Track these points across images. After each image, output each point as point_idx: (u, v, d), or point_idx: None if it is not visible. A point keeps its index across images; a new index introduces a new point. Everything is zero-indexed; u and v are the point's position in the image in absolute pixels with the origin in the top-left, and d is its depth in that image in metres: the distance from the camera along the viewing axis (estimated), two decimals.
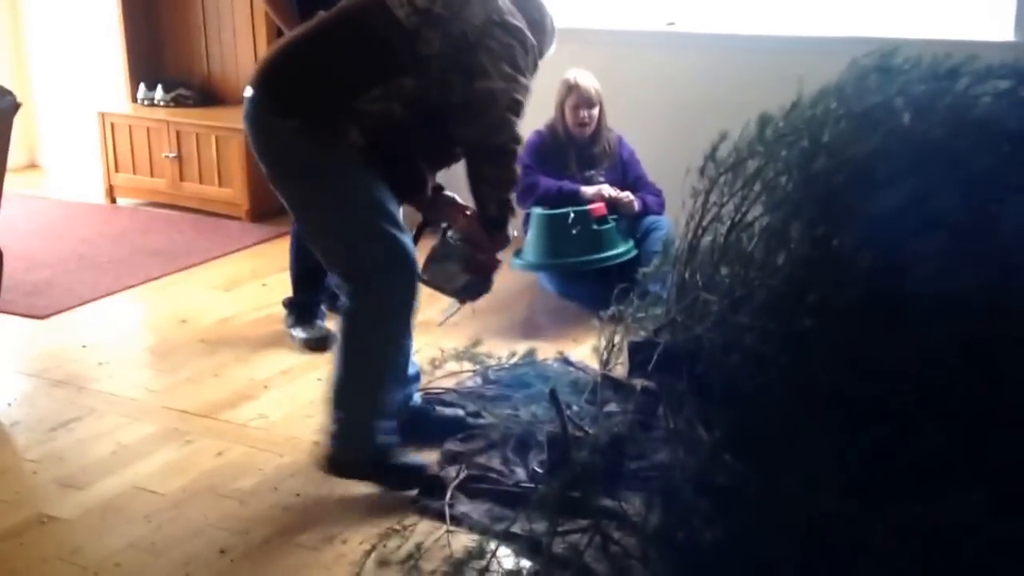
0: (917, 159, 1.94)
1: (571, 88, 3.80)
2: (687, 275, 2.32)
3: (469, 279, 2.62)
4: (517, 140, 2.48)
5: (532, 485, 2.41)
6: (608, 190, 3.75)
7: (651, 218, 3.79)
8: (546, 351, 3.21)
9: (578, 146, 3.86)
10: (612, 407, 2.63)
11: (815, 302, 1.97)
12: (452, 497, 2.43)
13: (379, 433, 2.52)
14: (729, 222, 2.30)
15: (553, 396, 2.30)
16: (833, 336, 1.92)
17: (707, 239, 2.33)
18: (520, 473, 2.53)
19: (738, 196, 2.26)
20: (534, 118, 3.84)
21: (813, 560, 1.82)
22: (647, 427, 2.52)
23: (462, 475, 2.51)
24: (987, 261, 1.88)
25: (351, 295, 2.50)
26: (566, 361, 3.20)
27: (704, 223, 2.31)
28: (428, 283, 2.60)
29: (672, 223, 3.70)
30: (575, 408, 2.64)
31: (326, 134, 2.40)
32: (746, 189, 2.24)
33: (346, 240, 2.49)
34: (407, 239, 2.50)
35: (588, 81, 3.80)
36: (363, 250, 2.46)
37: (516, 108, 2.43)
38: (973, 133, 1.98)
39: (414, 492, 2.51)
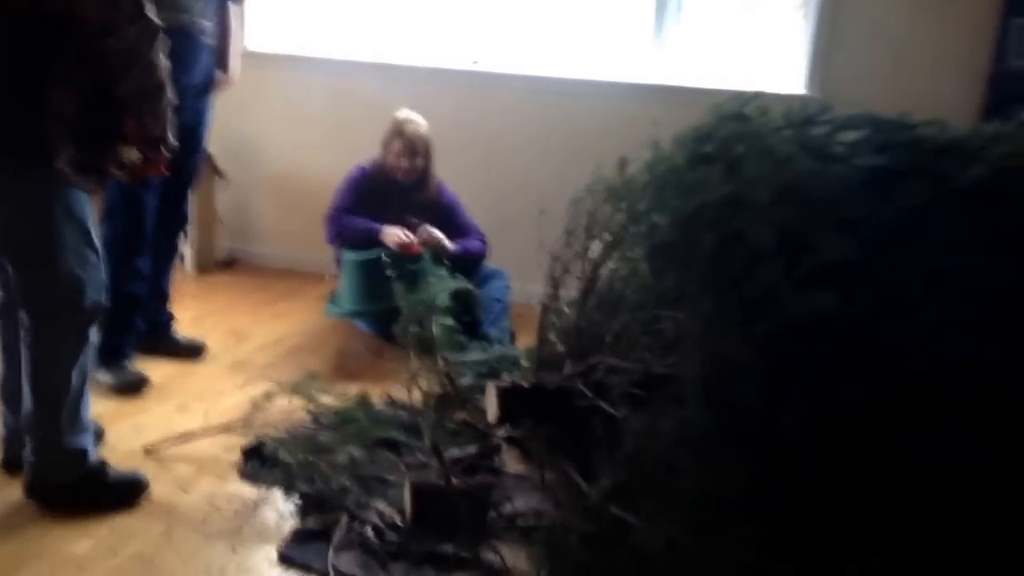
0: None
1: (398, 134, 3.76)
2: (558, 318, 2.38)
3: None
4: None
5: (402, 538, 2.36)
6: (419, 236, 3.71)
7: (491, 267, 3.81)
8: (373, 392, 3.17)
9: (401, 189, 3.83)
10: (454, 452, 2.66)
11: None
12: (319, 550, 2.35)
13: (84, 451, 2.54)
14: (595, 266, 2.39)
15: (436, 449, 2.28)
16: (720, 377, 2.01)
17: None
18: (377, 520, 2.49)
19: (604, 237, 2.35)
20: (358, 149, 3.83)
21: None
22: (504, 473, 2.57)
23: (340, 526, 2.43)
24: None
25: (35, 318, 2.45)
26: (395, 404, 3.17)
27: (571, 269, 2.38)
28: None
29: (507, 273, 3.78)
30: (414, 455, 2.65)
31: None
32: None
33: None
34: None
35: (416, 129, 3.77)
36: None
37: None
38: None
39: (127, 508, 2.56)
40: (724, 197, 2.15)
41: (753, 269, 2.07)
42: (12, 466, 2.67)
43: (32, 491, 2.56)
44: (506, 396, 2.38)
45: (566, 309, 2.55)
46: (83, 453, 2.55)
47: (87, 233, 2.43)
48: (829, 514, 1.95)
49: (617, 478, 2.09)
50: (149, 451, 2.87)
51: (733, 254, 2.13)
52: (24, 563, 2.33)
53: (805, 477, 1.97)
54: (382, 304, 3.63)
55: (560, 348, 2.55)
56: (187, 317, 3.79)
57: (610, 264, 2.51)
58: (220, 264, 4.77)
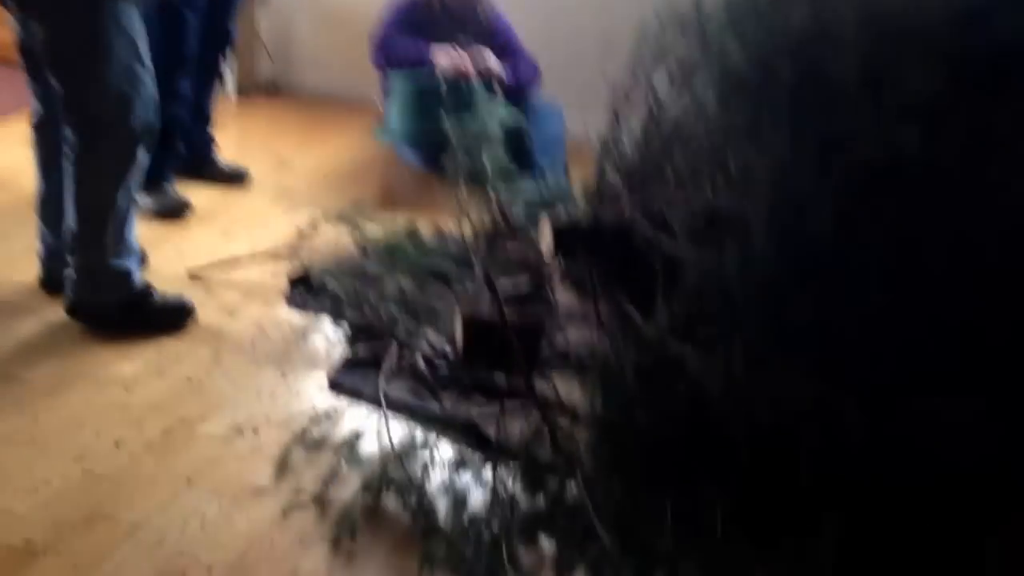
0: None
1: None
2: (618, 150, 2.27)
3: None
4: None
5: (452, 367, 2.33)
6: (471, 60, 3.58)
7: (545, 99, 3.67)
8: (421, 224, 3.09)
9: (451, 11, 3.66)
10: (505, 284, 2.60)
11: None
12: (367, 376, 2.32)
13: (128, 274, 2.52)
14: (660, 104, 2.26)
15: (488, 279, 2.21)
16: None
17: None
18: (428, 350, 2.45)
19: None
20: None
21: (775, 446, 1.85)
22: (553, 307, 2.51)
23: (389, 354, 2.39)
24: None
25: (82, 135, 2.38)
26: (444, 236, 3.10)
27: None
28: None
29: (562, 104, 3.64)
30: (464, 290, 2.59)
31: None
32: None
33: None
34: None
35: None
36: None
37: None
38: None
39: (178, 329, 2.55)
40: (805, 27, 2.02)
41: (833, 104, 1.96)
42: (52, 285, 2.64)
43: (75, 311, 2.54)
44: (560, 230, 2.30)
45: (627, 143, 2.44)
46: (127, 275, 2.51)
47: (136, 47, 2.33)
48: (896, 354, 1.89)
49: (675, 313, 2.03)
50: (194, 276, 2.84)
51: (812, 88, 2.02)
52: (70, 383, 2.32)
53: (874, 317, 1.90)
54: (431, 130, 3.53)
55: (619, 183, 2.46)
56: (229, 143, 3.71)
57: (676, 97, 2.39)
58: (262, 89, 4.64)
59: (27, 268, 2.72)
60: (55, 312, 2.57)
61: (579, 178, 2.99)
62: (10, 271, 2.77)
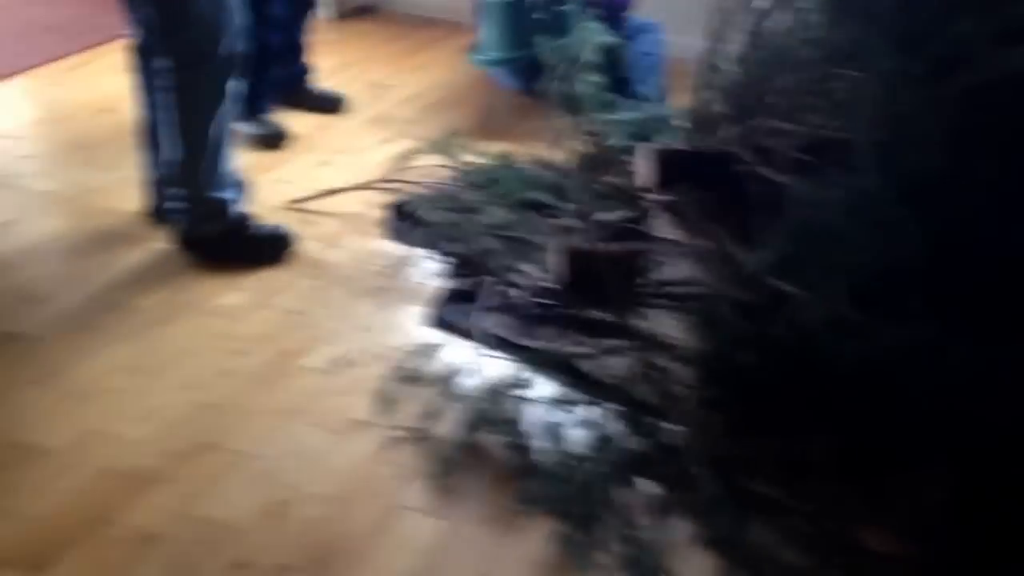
0: None
1: None
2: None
3: None
4: None
5: (549, 301, 2.31)
6: None
7: (643, 19, 3.57)
8: (517, 151, 3.06)
9: None
10: (603, 215, 2.56)
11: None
12: (465, 311, 2.33)
13: (226, 204, 2.53)
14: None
15: (583, 212, 2.18)
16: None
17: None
18: (525, 283, 2.44)
19: None
20: None
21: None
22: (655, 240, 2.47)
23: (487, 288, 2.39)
24: None
25: (174, 65, 2.38)
26: (541, 164, 3.06)
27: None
28: None
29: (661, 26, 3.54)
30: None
31: None
32: None
33: None
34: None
35: None
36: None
37: None
38: None
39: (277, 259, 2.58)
40: None
41: (943, 22, 1.85)
42: (157, 215, 2.68)
43: (179, 242, 2.59)
44: (658, 159, 2.25)
45: (727, 65, 2.36)
46: (225, 206, 2.54)
47: None
48: (1010, 289, 1.81)
49: (777, 247, 1.97)
50: (293, 206, 2.86)
51: (921, 5, 1.92)
52: (176, 313, 2.38)
53: (986, 253, 1.82)
54: (527, 51, 3.47)
55: (719, 108, 2.39)
56: (325, 68, 3.70)
57: (778, 15, 2.29)
58: (358, 11, 4.61)
59: (132, 196, 2.77)
60: (161, 241, 2.62)
61: (679, 103, 2.92)
62: (118, 200, 2.82)
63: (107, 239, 2.67)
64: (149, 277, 2.52)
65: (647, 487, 1.85)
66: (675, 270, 2.26)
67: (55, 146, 3.22)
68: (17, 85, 3.59)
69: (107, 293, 2.44)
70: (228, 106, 2.46)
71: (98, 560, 1.71)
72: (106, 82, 3.53)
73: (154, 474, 1.90)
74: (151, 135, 2.59)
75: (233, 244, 2.57)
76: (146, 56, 2.50)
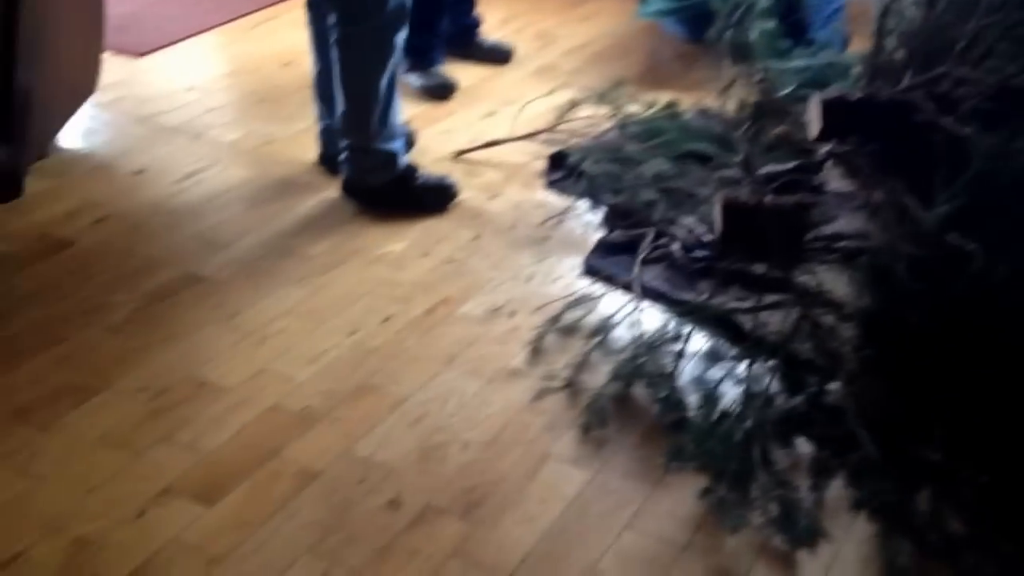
0: None
1: None
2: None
3: None
4: None
5: (710, 255, 2.26)
6: None
7: None
8: (683, 101, 2.99)
9: None
10: (770, 168, 2.48)
11: None
12: (624, 263, 2.30)
13: (394, 155, 2.58)
14: None
15: (747, 164, 2.11)
16: None
17: None
18: (686, 236, 2.40)
19: None
20: None
21: None
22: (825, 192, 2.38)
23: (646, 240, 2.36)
24: None
25: (342, 19, 2.42)
26: (708, 113, 2.99)
27: None
28: None
29: None
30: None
31: None
32: None
33: None
34: None
35: None
36: None
37: None
38: None
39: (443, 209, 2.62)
40: None
41: None
42: (330, 164, 2.75)
43: (348, 191, 2.65)
44: (832, 108, 2.15)
45: (910, 10, 2.23)
46: (393, 156, 2.59)
47: None
48: None
49: (958, 202, 1.86)
50: (458, 156, 2.89)
51: None
52: (343, 260, 2.44)
53: None
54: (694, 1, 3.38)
55: (900, 55, 2.26)
56: (494, 19, 3.71)
57: None
58: None
59: (310, 146, 2.85)
60: (332, 190, 2.70)
61: (859, 51, 2.78)
62: (294, 149, 2.92)
63: (284, 188, 2.76)
64: (320, 225, 2.60)
65: (804, 447, 1.81)
66: (845, 224, 2.17)
67: (241, 98, 3.35)
68: (207, 41, 3.74)
69: (282, 239, 2.53)
70: (397, 59, 2.50)
71: (262, 494, 1.78)
72: (290, 36, 3.63)
73: (318, 414, 1.96)
74: (325, 87, 2.66)
75: (400, 194, 2.62)
76: (318, 11, 2.56)
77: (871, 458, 1.67)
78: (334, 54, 2.48)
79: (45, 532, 1.69)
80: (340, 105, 2.54)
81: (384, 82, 2.48)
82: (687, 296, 2.17)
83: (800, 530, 1.63)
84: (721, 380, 1.93)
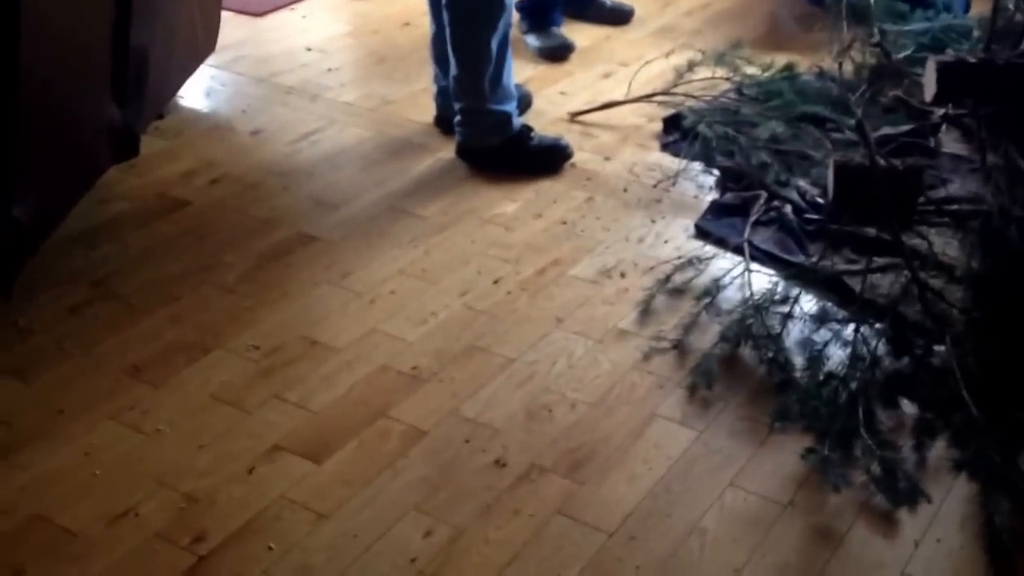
0: None
1: None
2: None
3: None
4: None
5: (821, 218, 2.24)
6: None
7: None
8: (800, 63, 2.95)
9: None
10: (885, 131, 2.44)
11: None
12: (736, 225, 2.31)
13: (507, 117, 2.61)
14: None
15: (860, 127, 2.08)
16: None
17: None
18: (797, 199, 2.38)
19: None
20: None
21: None
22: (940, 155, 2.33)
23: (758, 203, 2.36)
24: None
25: None
26: (825, 75, 2.93)
27: None
28: None
29: None
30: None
31: None
32: None
33: None
34: None
35: None
36: None
37: None
38: None
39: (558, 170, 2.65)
40: None
41: None
42: (444, 125, 2.81)
43: (462, 152, 2.70)
44: (948, 71, 2.10)
45: None
46: (506, 118, 2.63)
47: None
48: None
49: None
50: (573, 118, 2.91)
51: None
52: (456, 220, 2.50)
53: None
54: None
55: (1020, 19, 2.19)
56: None
57: None
58: None
59: (426, 108, 2.91)
60: (447, 151, 2.75)
61: (979, 12, 2.69)
62: (411, 110, 2.98)
63: (399, 148, 2.82)
64: (434, 186, 2.65)
65: (908, 409, 1.80)
66: (959, 186, 2.12)
67: (359, 59, 3.42)
68: (326, 1, 3.81)
69: (395, 200, 2.59)
70: (508, 19, 2.53)
71: (371, 452, 1.82)
72: None
73: (427, 374, 2.00)
74: (440, 49, 2.70)
75: (513, 155, 2.66)
76: None
77: (975, 419, 1.65)
78: (448, 16, 2.53)
79: (156, 487, 1.73)
80: (454, 66, 2.59)
81: (495, 43, 2.52)
82: (798, 259, 2.16)
83: (901, 490, 1.63)
84: (828, 342, 1.92)
